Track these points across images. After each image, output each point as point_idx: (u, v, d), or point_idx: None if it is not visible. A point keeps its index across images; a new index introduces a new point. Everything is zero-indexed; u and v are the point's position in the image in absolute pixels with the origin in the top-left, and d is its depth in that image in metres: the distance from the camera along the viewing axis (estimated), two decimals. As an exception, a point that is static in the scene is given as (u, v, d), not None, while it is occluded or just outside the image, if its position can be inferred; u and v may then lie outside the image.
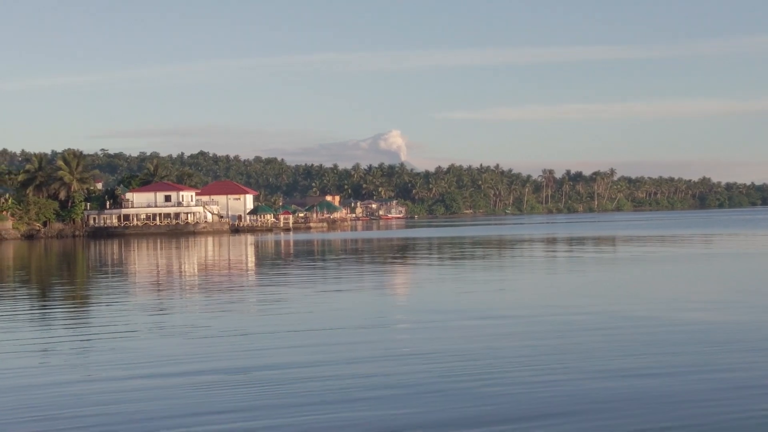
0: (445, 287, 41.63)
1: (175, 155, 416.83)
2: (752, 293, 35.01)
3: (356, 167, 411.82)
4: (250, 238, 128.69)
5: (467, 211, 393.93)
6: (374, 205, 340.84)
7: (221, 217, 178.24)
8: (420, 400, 16.61)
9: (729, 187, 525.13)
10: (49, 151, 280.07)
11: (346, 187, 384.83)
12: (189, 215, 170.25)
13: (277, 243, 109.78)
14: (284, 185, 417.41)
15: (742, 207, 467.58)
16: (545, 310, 30.37)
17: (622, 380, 18.00)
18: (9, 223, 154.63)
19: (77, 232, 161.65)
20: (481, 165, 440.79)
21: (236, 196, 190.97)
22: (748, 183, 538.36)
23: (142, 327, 28.33)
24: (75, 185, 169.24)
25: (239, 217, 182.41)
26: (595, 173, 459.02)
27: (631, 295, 35.19)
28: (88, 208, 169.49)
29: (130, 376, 19.64)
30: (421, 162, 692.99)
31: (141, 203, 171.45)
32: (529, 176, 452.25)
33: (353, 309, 32.31)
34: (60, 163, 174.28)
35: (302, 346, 23.21)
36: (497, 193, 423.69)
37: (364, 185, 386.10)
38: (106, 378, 19.51)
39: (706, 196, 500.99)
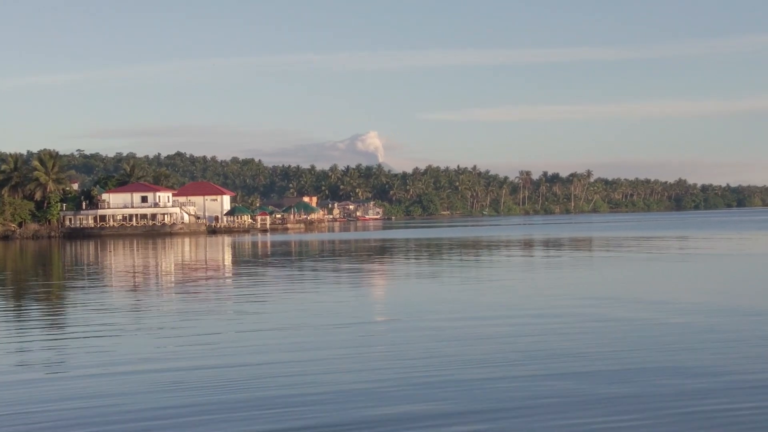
0: (416, 291, 41.94)
1: (151, 156, 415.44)
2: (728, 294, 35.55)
3: (333, 168, 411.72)
4: (227, 239, 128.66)
5: (444, 213, 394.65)
6: (351, 206, 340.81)
7: (198, 218, 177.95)
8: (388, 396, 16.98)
9: (705, 188, 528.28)
10: (24, 152, 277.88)
11: (323, 188, 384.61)
12: (166, 216, 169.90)
13: (254, 244, 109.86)
14: (261, 186, 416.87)
15: (718, 209, 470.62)
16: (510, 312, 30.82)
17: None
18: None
19: (53, 233, 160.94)
20: (458, 166, 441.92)
21: (213, 197, 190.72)
22: (724, 185, 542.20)
23: (115, 327, 28.54)
24: (51, 186, 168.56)
25: (216, 218, 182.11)
26: (572, 175, 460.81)
27: (609, 296, 35.68)
28: (64, 208, 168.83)
29: (101, 373, 19.96)
30: (399, 163, 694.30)
31: (117, 204, 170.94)
32: (506, 178, 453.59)
33: (324, 311, 32.56)
34: (36, 163, 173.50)
35: (270, 346, 23.54)
36: (474, 194, 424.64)
37: (342, 186, 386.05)
38: (77, 375, 19.80)
39: (682, 198, 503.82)
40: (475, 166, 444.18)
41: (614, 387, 17.73)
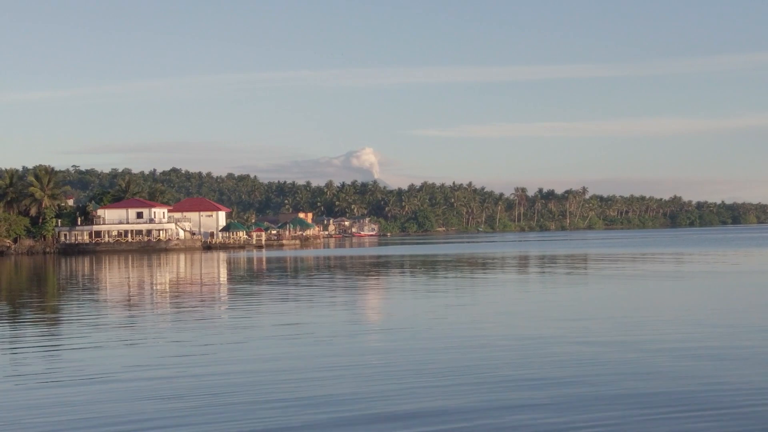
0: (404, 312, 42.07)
1: (147, 171, 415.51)
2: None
3: (329, 184, 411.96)
4: (223, 255, 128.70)
5: (440, 229, 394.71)
6: (347, 223, 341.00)
7: (193, 234, 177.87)
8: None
9: (700, 206, 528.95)
10: (20, 167, 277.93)
11: (318, 204, 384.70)
12: (161, 232, 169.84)
13: (250, 260, 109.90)
14: (257, 202, 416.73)
15: (713, 226, 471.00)
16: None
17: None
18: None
19: (48, 249, 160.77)
20: (453, 183, 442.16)
21: (208, 213, 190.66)
22: (719, 202, 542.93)
23: (107, 340, 28.72)
24: (46, 201, 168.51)
25: (211, 234, 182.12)
26: (567, 191, 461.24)
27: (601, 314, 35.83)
28: (59, 224, 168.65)
29: (93, 383, 20.24)
30: (394, 179, 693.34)
31: (112, 220, 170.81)
32: (501, 194, 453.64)
33: (309, 326, 32.74)
34: (31, 179, 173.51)
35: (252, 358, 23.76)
36: (470, 210, 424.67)
37: (337, 202, 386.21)
38: (67, 386, 20.08)
39: (677, 215, 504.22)
40: (470, 183, 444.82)
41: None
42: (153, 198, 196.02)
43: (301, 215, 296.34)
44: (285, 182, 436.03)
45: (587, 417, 16.77)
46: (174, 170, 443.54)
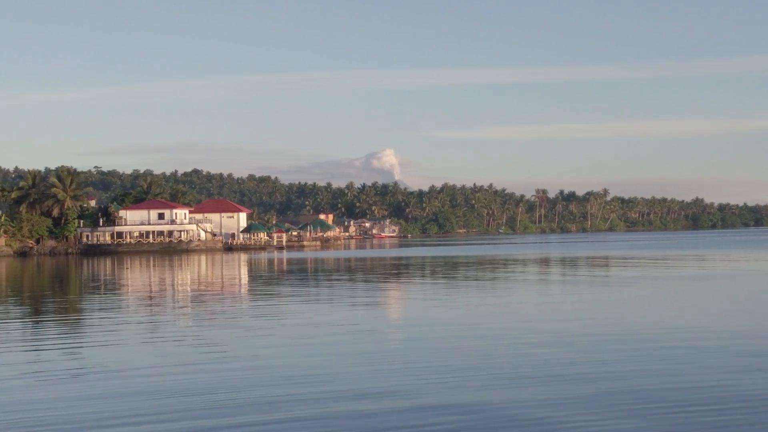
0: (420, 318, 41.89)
1: (168, 173, 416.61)
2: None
3: (350, 186, 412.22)
4: (243, 257, 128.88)
5: (460, 231, 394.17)
6: (368, 224, 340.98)
7: (214, 235, 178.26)
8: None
9: (722, 207, 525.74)
10: (42, 168, 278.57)
11: (339, 205, 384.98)
12: (182, 233, 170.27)
13: (270, 261, 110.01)
14: (278, 203, 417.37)
15: (735, 228, 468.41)
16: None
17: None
18: (2, 241, 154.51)
19: (70, 250, 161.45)
20: (474, 184, 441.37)
21: (229, 214, 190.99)
22: (741, 204, 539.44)
23: (129, 338, 28.72)
24: (68, 202, 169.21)
25: (232, 236, 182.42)
26: (588, 193, 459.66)
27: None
28: (81, 225, 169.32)
29: (118, 378, 20.16)
30: (415, 181, 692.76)
31: (134, 221, 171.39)
32: (522, 196, 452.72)
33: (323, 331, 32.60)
34: (53, 180, 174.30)
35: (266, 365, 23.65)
36: (490, 212, 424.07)
37: (358, 204, 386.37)
38: (91, 382, 20.04)
39: (699, 217, 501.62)
40: (491, 185, 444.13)
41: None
42: (174, 199, 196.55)
43: (322, 216, 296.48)
44: (306, 183, 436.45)
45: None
46: (195, 171, 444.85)
